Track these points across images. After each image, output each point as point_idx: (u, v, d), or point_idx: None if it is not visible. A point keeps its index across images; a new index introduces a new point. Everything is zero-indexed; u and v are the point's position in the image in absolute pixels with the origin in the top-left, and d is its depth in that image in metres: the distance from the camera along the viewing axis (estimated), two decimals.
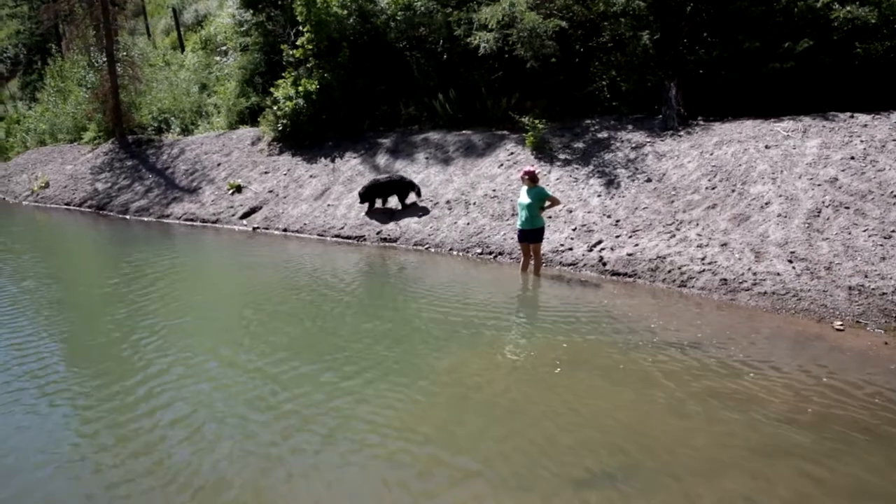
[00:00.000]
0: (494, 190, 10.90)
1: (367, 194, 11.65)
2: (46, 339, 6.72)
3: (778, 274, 7.22)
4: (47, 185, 19.11)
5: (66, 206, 17.50)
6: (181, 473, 4.07)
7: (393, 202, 11.72)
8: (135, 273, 9.53)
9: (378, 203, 11.77)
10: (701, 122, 10.66)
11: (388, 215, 11.50)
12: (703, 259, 7.87)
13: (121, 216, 15.60)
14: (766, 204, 8.23)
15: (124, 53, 20.15)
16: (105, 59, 19.29)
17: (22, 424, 4.78)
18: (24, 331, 6.90)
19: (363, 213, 11.74)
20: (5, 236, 13.40)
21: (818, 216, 7.72)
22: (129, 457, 4.27)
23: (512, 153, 11.62)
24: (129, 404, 5.03)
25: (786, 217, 7.90)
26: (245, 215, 13.44)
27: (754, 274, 7.34)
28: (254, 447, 4.36)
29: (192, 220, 14.20)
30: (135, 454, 4.29)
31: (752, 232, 7.94)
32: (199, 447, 4.36)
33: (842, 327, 6.31)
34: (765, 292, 7.07)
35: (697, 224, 8.47)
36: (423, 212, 11.15)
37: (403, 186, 11.50)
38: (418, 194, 11.47)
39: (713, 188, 8.93)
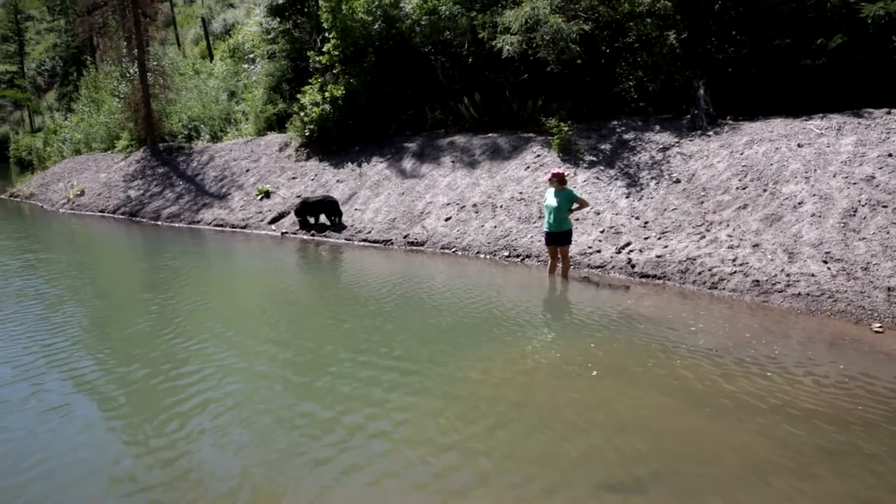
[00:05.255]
0: (521, 192, 10.88)
1: (300, 211, 12.59)
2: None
3: (812, 275, 7.07)
4: (82, 193, 19.63)
5: (100, 214, 17.95)
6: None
7: (323, 218, 12.62)
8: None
9: (311, 220, 12.63)
10: (730, 122, 10.49)
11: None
12: (734, 260, 7.74)
13: (153, 222, 15.95)
14: (800, 203, 8.07)
15: (155, 63, 20.67)
16: (137, 70, 19.79)
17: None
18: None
19: (389, 217, 11.83)
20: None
21: (854, 215, 7.54)
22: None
23: (538, 155, 11.59)
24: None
25: (820, 217, 7.74)
26: (274, 220, 13.63)
27: (788, 275, 7.20)
28: (281, 450, 4.42)
29: (221, 225, 14.45)
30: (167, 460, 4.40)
31: (785, 232, 7.80)
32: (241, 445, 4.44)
33: (881, 329, 6.15)
34: (799, 294, 6.93)
35: (728, 225, 8.34)
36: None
37: (331, 206, 12.36)
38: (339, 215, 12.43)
39: (744, 188, 8.79)
